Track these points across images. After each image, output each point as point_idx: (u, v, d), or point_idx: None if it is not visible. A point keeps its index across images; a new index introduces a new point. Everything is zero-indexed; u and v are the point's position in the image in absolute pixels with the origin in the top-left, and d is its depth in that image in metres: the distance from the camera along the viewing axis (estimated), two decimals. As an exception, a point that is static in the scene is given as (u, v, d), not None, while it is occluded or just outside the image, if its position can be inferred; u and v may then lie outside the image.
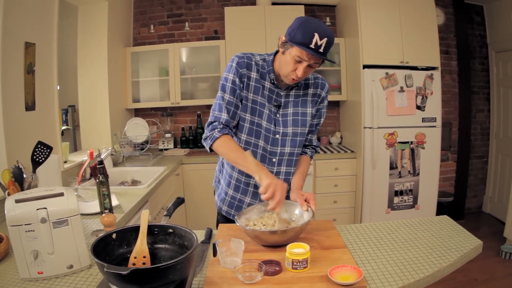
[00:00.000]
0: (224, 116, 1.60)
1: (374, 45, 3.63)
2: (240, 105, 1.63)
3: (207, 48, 4.08)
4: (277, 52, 1.63)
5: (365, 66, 3.63)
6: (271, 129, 1.67)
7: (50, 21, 2.57)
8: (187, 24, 4.26)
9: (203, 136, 1.64)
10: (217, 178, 1.88)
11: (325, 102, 1.78)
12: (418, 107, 3.66)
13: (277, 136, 1.68)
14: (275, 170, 1.71)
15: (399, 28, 3.65)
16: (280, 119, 1.68)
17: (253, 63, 1.63)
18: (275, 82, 1.65)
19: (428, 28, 3.70)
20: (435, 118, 3.70)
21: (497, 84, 4.46)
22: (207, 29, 4.32)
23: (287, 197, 1.76)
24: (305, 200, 1.56)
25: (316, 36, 1.41)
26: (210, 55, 4.10)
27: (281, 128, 1.68)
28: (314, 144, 1.86)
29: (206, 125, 1.65)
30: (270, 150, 1.69)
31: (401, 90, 3.61)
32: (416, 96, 3.64)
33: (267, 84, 1.65)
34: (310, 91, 1.73)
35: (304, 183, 1.79)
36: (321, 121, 1.82)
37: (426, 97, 3.66)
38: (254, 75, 1.63)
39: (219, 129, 1.59)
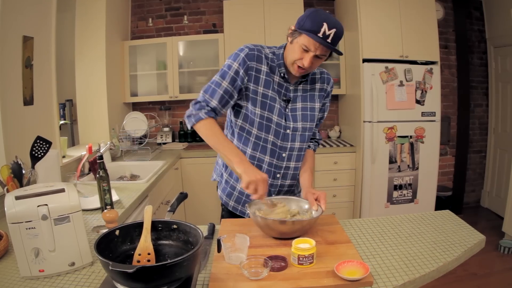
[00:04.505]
0: (214, 102, 1.56)
1: (374, 39, 3.62)
2: (236, 96, 1.59)
3: (206, 41, 4.06)
4: (286, 45, 1.61)
5: (364, 60, 3.61)
6: (282, 124, 1.65)
7: (48, 14, 2.53)
8: (185, 17, 4.23)
9: (187, 112, 1.60)
10: (220, 172, 1.84)
11: (330, 97, 1.78)
12: (418, 102, 3.65)
13: (288, 131, 1.66)
14: (284, 165, 1.70)
15: (398, 22, 3.63)
16: (290, 113, 1.66)
17: (263, 56, 1.60)
18: (285, 76, 1.63)
19: (427, 23, 3.68)
20: (435, 112, 3.70)
21: (495, 79, 4.46)
22: (205, 23, 4.28)
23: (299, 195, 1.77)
24: (316, 199, 1.55)
25: (325, 25, 1.40)
26: (208, 48, 4.07)
27: (292, 123, 1.66)
28: (317, 137, 1.87)
29: (192, 102, 1.61)
30: (280, 145, 1.67)
31: (401, 84, 3.60)
32: (416, 91, 3.63)
33: (276, 78, 1.63)
34: (317, 85, 1.72)
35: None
36: (325, 115, 1.82)
37: (426, 91, 3.65)
38: (264, 68, 1.60)
39: (206, 111, 1.56)
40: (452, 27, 4.40)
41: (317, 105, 1.72)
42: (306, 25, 1.43)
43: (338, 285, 1.12)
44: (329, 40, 1.42)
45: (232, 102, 1.60)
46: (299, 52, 1.49)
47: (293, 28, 1.51)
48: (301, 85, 1.68)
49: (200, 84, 4.17)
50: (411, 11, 3.65)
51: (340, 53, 1.52)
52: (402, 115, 3.64)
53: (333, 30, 1.41)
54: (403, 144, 3.67)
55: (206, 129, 1.56)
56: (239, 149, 1.57)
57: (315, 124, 1.74)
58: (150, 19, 4.21)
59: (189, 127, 1.61)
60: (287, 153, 1.69)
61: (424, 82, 3.64)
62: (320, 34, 1.41)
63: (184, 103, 4.34)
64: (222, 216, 1.87)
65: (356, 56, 3.68)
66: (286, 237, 1.40)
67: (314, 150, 1.86)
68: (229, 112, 1.73)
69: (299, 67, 1.53)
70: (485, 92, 4.62)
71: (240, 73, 1.56)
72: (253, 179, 1.42)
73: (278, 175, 1.71)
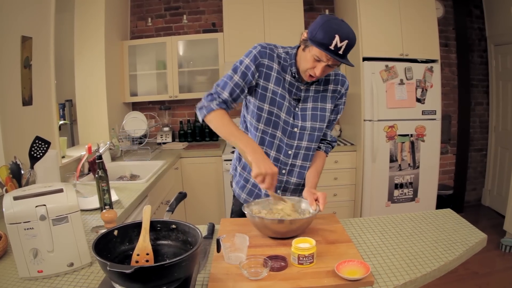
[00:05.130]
0: (226, 95, 1.59)
1: (374, 38, 3.60)
2: (246, 91, 1.62)
3: (205, 41, 4.04)
4: (300, 46, 1.61)
5: (364, 59, 3.60)
6: (289, 122, 1.66)
7: (47, 14, 2.52)
8: (184, 17, 4.21)
9: (199, 105, 1.62)
10: (234, 166, 1.87)
11: (344, 99, 1.78)
12: (418, 100, 3.64)
13: (295, 129, 1.67)
14: (290, 162, 1.71)
15: (398, 20, 3.62)
16: (299, 113, 1.67)
17: (275, 55, 1.62)
18: (296, 76, 1.63)
19: (427, 21, 3.67)
20: (435, 111, 3.68)
21: (496, 77, 4.44)
22: (205, 22, 4.27)
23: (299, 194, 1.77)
24: (316, 200, 1.55)
25: (337, 37, 1.39)
26: (208, 48, 4.06)
27: (300, 122, 1.67)
28: (329, 139, 1.85)
29: (204, 95, 1.63)
30: (287, 142, 1.68)
31: (401, 82, 3.59)
32: (416, 89, 3.62)
33: (288, 78, 1.64)
34: (331, 87, 1.72)
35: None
36: (338, 117, 1.82)
37: (426, 90, 3.64)
38: (275, 66, 1.62)
39: (217, 102, 1.58)
40: (452, 25, 4.38)
41: (329, 106, 1.72)
42: (318, 36, 1.42)
43: (339, 285, 1.11)
44: (340, 52, 1.42)
45: (242, 96, 1.63)
46: (311, 62, 1.50)
47: (305, 35, 1.50)
48: (313, 86, 1.68)
49: (200, 83, 4.16)
50: (411, 9, 3.63)
51: (351, 65, 1.51)
52: (403, 113, 3.63)
53: (345, 42, 1.40)
54: (403, 142, 3.66)
55: (217, 119, 1.58)
56: (252, 139, 1.57)
57: (325, 125, 1.74)
58: (150, 19, 4.21)
59: (200, 120, 1.62)
60: (293, 151, 1.70)
61: (425, 81, 3.63)
62: (331, 47, 1.40)
63: (184, 103, 4.33)
64: (232, 210, 1.90)
65: (356, 55, 3.66)
66: (283, 237, 1.40)
67: (326, 153, 1.85)
68: (243, 106, 1.76)
69: (310, 75, 1.54)
70: (486, 90, 4.60)
71: (252, 69, 1.58)
72: (262, 171, 1.43)
73: (283, 171, 1.72)
